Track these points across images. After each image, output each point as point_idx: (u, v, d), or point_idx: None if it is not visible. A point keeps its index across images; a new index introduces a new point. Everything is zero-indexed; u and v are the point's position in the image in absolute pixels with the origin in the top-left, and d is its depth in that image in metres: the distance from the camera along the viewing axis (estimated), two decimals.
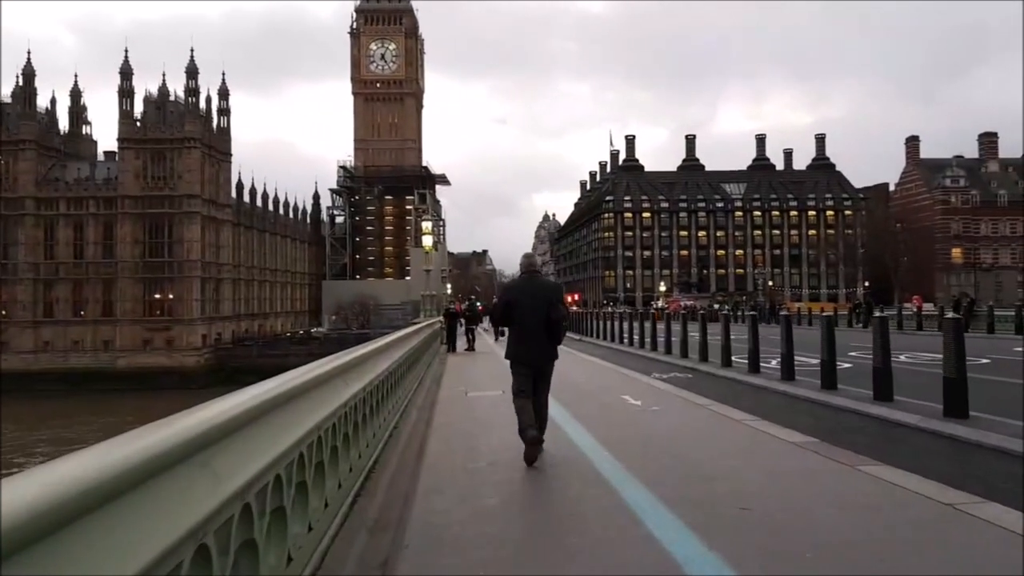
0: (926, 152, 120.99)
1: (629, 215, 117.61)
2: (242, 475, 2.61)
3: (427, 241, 26.61)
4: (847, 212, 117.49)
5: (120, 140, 72.28)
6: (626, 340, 26.48)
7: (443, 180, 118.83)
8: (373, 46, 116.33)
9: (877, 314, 11.73)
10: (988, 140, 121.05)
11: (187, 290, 72.16)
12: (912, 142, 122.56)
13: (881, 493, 5.02)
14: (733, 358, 15.11)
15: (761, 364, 13.91)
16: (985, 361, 15.77)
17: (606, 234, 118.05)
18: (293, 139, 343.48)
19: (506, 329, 7.36)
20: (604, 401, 10.15)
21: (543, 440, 6.67)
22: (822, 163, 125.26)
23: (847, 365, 15.49)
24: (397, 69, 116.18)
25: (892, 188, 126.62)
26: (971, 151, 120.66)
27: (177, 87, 74.51)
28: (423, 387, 12.61)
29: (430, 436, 7.71)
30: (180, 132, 72.10)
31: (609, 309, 52.82)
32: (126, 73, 72.20)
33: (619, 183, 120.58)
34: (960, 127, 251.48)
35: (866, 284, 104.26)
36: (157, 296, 72.92)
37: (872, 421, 8.79)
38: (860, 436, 7.86)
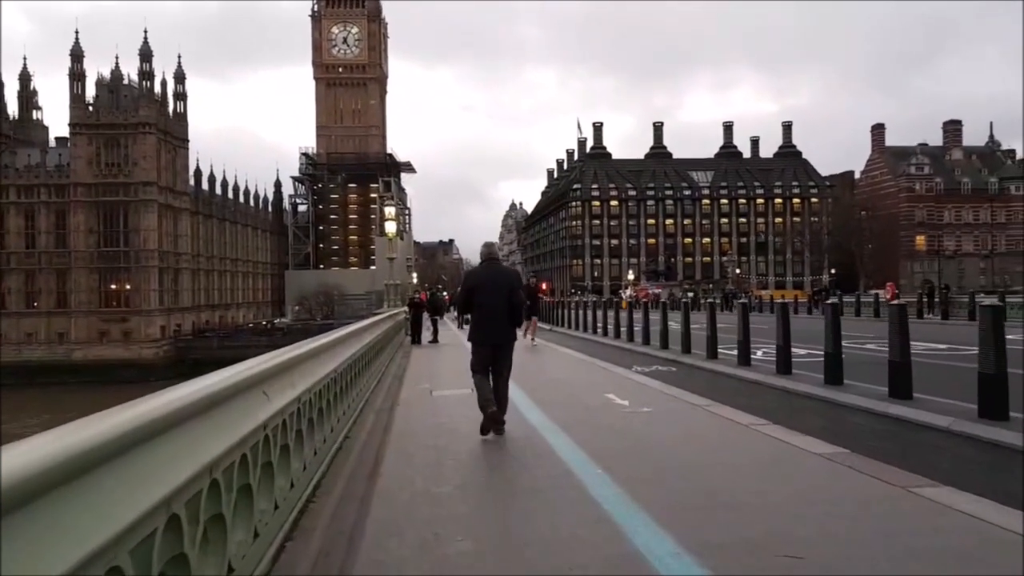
0: (891, 140, 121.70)
1: (597, 203, 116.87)
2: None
3: (390, 227, 25.24)
4: (813, 200, 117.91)
5: (72, 125, 69.88)
6: (599, 330, 25.46)
7: (408, 168, 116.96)
8: (335, 30, 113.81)
9: (899, 301, 10.69)
10: (952, 128, 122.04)
11: (144, 280, 70.45)
12: (878, 130, 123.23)
13: (964, 531, 3.92)
14: (719, 349, 14.02)
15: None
16: None
17: (574, 222, 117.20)
18: (254, 127, 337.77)
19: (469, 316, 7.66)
20: (587, 402, 8.98)
21: (504, 421, 7.11)
22: (789, 151, 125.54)
23: None
24: (360, 53, 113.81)
25: (858, 176, 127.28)
26: (936, 139, 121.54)
27: (131, 71, 72.14)
28: (383, 385, 11.41)
29: (387, 448, 6.50)
30: (134, 117, 70.07)
31: (579, 298, 51.84)
32: (77, 55, 69.58)
33: (587, 171, 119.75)
34: (925, 115, 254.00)
35: (832, 271, 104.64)
36: (113, 287, 70.99)
37: (894, 424, 7.70)
38: (888, 443, 6.80)
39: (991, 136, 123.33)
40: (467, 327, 7.77)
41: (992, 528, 3.90)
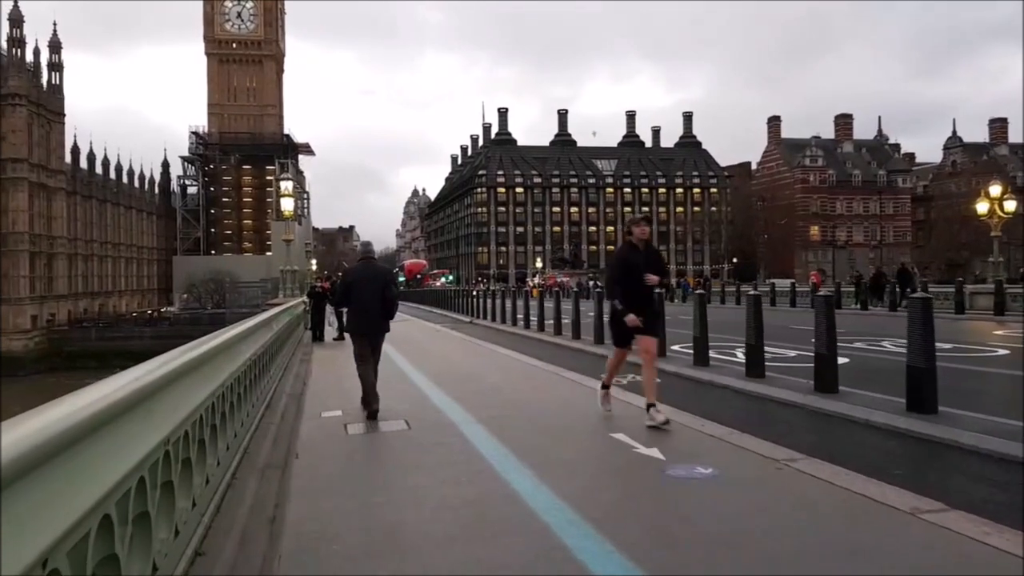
0: (786, 132, 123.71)
1: (502, 190, 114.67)
2: None
3: (287, 205, 21.69)
4: (713, 190, 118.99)
5: None
6: (521, 322, 22.78)
7: (307, 150, 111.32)
8: (228, 3, 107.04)
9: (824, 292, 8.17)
10: (843, 122, 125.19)
11: (13, 266, 64.86)
12: (774, 122, 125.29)
13: None
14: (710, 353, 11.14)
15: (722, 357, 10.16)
16: (947, 346, 12.68)
17: (479, 209, 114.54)
18: (141, 106, 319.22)
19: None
20: (594, 450, 5.71)
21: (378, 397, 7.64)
22: (689, 141, 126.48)
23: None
24: (255, 29, 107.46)
25: (755, 167, 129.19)
26: (828, 132, 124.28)
27: None
28: (275, 411, 8.08)
29: None
30: (3, 87, 63.79)
31: (486, 286, 49.16)
32: None
33: (492, 157, 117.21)
34: (819, 109, 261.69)
35: (733, 260, 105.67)
36: None
37: None
38: None
39: (879, 130, 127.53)
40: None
41: None
